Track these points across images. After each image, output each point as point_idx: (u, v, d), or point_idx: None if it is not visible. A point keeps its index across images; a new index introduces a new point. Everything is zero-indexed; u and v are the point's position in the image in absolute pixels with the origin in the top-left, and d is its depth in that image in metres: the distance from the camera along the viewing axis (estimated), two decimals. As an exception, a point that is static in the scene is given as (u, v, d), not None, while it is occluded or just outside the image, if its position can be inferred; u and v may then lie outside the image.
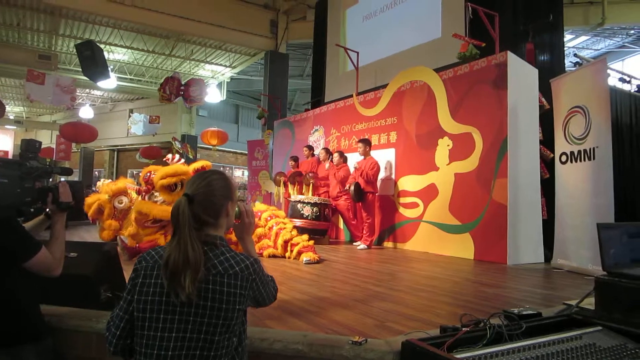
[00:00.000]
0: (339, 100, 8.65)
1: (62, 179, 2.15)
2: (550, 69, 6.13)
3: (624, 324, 2.15)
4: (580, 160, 4.89)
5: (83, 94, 19.05)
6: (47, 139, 22.86)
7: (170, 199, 4.44)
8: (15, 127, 22.66)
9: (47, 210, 1.99)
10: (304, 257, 4.93)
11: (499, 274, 4.49)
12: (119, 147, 20.71)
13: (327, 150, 7.62)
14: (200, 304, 1.30)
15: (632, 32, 13.20)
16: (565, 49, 12.02)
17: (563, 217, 5.08)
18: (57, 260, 1.84)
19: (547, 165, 5.72)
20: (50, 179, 2.18)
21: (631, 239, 2.60)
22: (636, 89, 7.33)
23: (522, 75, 5.62)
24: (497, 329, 2.00)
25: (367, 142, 6.82)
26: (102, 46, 11.45)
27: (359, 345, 1.86)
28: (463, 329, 1.98)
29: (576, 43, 13.91)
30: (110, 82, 12.36)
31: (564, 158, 5.11)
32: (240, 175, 20.80)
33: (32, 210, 1.98)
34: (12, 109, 22.01)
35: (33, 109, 22.13)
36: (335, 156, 7.31)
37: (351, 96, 8.19)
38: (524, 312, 2.31)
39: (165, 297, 1.31)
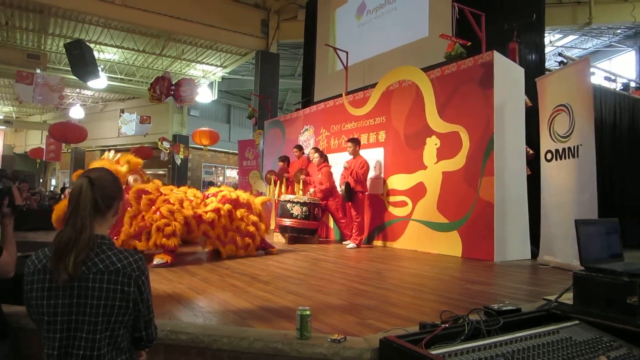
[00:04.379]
0: (328, 100, 8.68)
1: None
2: (533, 68, 6.19)
3: (600, 318, 2.20)
4: (565, 158, 4.95)
5: (73, 94, 18.92)
6: (37, 139, 22.68)
7: None
8: (4, 127, 22.47)
9: None
10: (156, 260, 4.42)
11: (485, 271, 4.54)
12: (110, 148, 20.51)
13: (316, 149, 7.64)
14: (82, 302, 1.33)
15: (618, 31, 13.34)
16: (549, 48, 12.18)
17: (548, 214, 5.15)
18: (14, 262, 1.89)
19: (529, 162, 5.78)
20: None
21: (609, 235, 2.65)
22: (621, 87, 7.43)
23: (508, 75, 5.68)
24: (475, 324, 2.03)
25: (356, 142, 6.85)
26: (92, 45, 11.41)
27: (337, 343, 1.88)
28: (442, 325, 2.01)
29: (564, 42, 14.04)
30: (100, 82, 12.28)
31: (549, 156, 5.17)
32: (229, 174, 20.75)
33: None
34: (2, 109, 21.82)
35: (23, 109, 21.94)
36: (315, 157, 7.28)
37: (341, 96, 8.21)
38: (504, 308, 2.35)
39: (47, 300, 1.34)
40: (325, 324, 2.43)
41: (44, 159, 18.85)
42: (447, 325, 2.00)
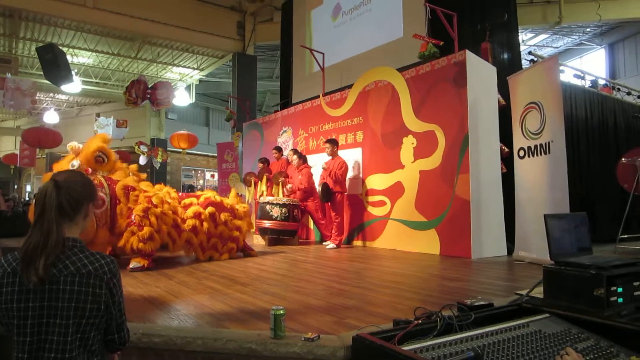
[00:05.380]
0: (306, 102, 8.69)
1: None
2: (507, 67, 6.31)
3: (569, 310, 2.26)
4: (537, 155, 5.06)
5: (47, 99, 18.52)
6: (11, 145, 22.11)
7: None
8: (-25, 134, 21.87)
9: None
10: (132, 263, 4.36)
11: (463, 268, 4.60)
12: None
13: (295, 151, 7.64)
14: (52, 305, 1.33)
15: (588, 29, 13.70)
16: (523, 47, 12.41)
17: (523, 210, 5.25)
18: None
19: (504, 160, 5.89)
20: None
21: (577, 228, 2.71)
22: (590, 85, 7.62)
23: (480, 73, 5.78)
24: (447, 320, 2.07)
25: (334, 142, 6.88)
26: (65, 49, 11.17)
27: (311, 341, 1.89)
28: (415, 321, 2.04)
29: (537, 41, 14.33)
30: (74, 86, 12.04)
31: (521, 153, 5.27)
32: (210, 178, 20.59)
33: None
34: (-27, 115, 21.23)
35: (-5, 115, 21.39)
36: (294, 159, 7.29)
37: (318, 97, 8.23)
38: (476, 304, 2.39)
39: (17, 303, 1.33)
40: (301, 324, 2.43)
41: (18, 165, 18.40)
42: (419, 322, 2.03)
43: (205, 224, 4.94)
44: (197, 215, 4.92)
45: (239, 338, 1.94)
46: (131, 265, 4.29)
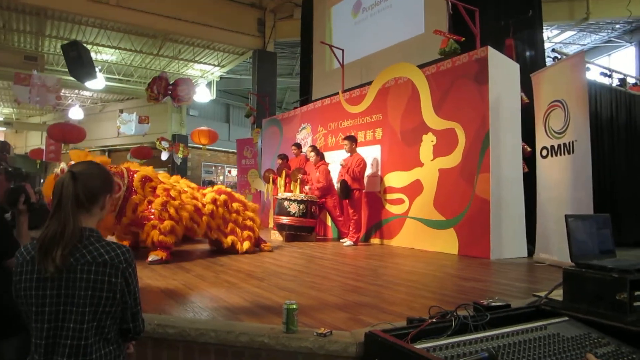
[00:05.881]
0: (325, 98, 8.67)
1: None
2: (531, 64, 6.18)
3: (589, 314, 2.19)
4: (560, 154, 4.94)
5: (72, 95, 18.94)
6: (37, 140, 22.70)
7: None
8: (4, 129, 22.51)
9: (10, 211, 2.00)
10: (151, 256, 4.41)
11: (481, 269, 4.53)
12: (110, 148, 20.61)
13: (313, 147, 7.64)
14: (69, 292, 1.35)
15: (617, 26, 13.29)
16: (548, 44, 12.14)
17: (544, 211, 5.14)
18: None
19: (526, 159, 5.77)
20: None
21: (600, 230, 2.63)
22: (618, 83, 7.40)
23: (503, 70, 5.67)
24: (462, 320, 2.03)
25: (353, 139, 6.85)
26: (89, 46, 11.39)
27: (323, 337, 1.88)
28: (429, 320, 2.01)
29: (562, 38, 14.00)
30: (98, 83, 12.29)
31: (544, 152, 5.16)
32: (228, 174, 20.75)
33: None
34: (2, 111, 21.85)
35: (23, 111, 21.97)
36: (312, 156, 7.31)
37: (337, 93, 8.21)
38: (493, 304, 2.34)
39: (35, 290, 1.36)
40: (315, 319, 2.43)
41: (44, 160, 18.86)
42: (434, 320, 2.00)
43: (220, 209, 5.12)
44: (213, 201, 5.09)
45: (251, 331, 1.94)
46: (150, 258, 4.35)
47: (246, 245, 5.20)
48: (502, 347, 1.81)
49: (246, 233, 5.28)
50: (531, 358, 1.76)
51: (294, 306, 1.98)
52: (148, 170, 4.82)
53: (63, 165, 4.26)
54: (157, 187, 4.66)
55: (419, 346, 1.72)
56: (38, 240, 1.37)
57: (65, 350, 1.33)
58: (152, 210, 4.47)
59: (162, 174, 5.12)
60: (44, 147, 18.28)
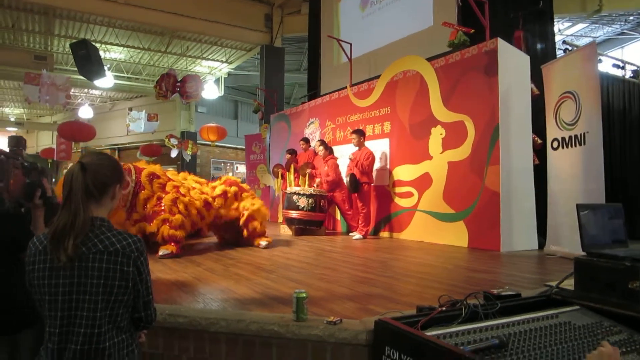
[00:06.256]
0: (333, 92, 8.66)
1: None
2: (542, 57, 6.11)
3: (601, 303, 2.18)
4: (572, 146, 4.89)
5: (82, 94, 19.08)
6: (49, 139, 22.94)
7: None
8: (16, 129, 22.74)
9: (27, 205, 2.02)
10: (161, 251, 4.45)
11: (491, 261, 4.51)
12: (119, 146, 20.77)
13: (322, 142, 7.64)
14: (82, 281, 1.36)
15: (631, 18, 13.09)
16: (559, 37, 11.99)
17: (555, 203, 5.10)
18: None
19: (537, 152, 5.72)
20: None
21: (612, 220, 2.61)
22: (631, 75, 7.30)
23: (513, 62, 5.61)
24: (472, 308, 2.03)
25: (361, 133, 6.84)
26: (97, 45, 11.47)
27: (333, 325, 1.89)
28: (438, 308, 2.01)
29: (574, 31, 13.82)
30: (106, 81, 12.38)
31: (555, 144, 5.11)
32: (236, 170, 20.81)
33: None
34: (13, 111, 22.09)
35: (33, 111, 22.19)
36: (320, 150, 7.30)
37: (345, 88, 8.19)
38: (503, 293, 2.33)
39: (48, 279, 1.37)
40: (325, 309, 2.43)
41: (55, 159, 19.06)
42: (444, 308, 2.00)
43: (235, 203, 5.19)
44: (224, 194, 5.14)
45: (261, 320, 1.95)
46: (160, 252, 4.39)
47: (264, 239, 5.29)
48: (513, 335, 1.80)
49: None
50: (542, 345, 1.75)
51: (304, 295, 1.99)
52: (155, 167, 4.86)
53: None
54: (166, 184, 4.70)
55: (429, 333, 1.72)
56: (50, 231, 1.38)
57: (79, 339, 1.35)
58: (163, 206, 4.51)
59: (170, 172, 5.16)
60: (54, 146, 18.46)
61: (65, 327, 1.36)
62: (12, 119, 22.03)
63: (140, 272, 1.45)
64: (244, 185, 5.63)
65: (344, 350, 1.91)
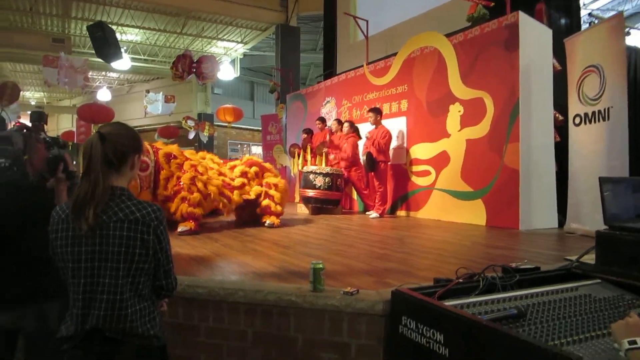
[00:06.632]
0: (349, 71, 8.56)
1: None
2: (566, 31, 5.91)
3: (622, 277, 2.14)
4: (595, 122, 4.76)
5: (99, 77, 19.26)
6: (68, 123, 23.27)
7: None
8: (37, 112, 23.12)
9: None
10: (180, 227, 4.51)
11: (509, 238, 4.47)
12: (137, 128, 20.82)
13: (339, 121, 7.59)
14: (103, 249, 1.39)
15: (660, -10, 12.57)
16: (584, 12, 11.57)
17: (576, 180, 5.00)
18: None
19: (558, 128, 5.59)
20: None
21: (636, 194, 2.55)
22: (659, 48, 7.02)
23: (534, 36, 5.46)
24: (490, 280, 2.01)
25: (377, 111, 6.77)
26: (113, 27, 11.50)
27: (350, 295, 1.90)
28: (456, 280, 2.00)
29: (600, 5, 13.31)
30: (123, 63, 12.43)
31: (577, 120, 4.99)
32: (255, 151, 20.89)
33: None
34: (33, 95, 22.42)
35: (53, 94, 22.48)
36: (345, 126, 7.25)
37: (362, 66, 8.09)
38: (522, 267, 2.31)
39: (71, 247, 1.40)
40: (343, 282, 2.44)
41: (75, 142, 19.38)
42: (461, 280, 1.99)
43: (252, 183, 5.15)
44: (243, 174, 5.13)
45: (279, 291, 1.97)
46: (179, 229, 4.45)
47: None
48: (532, 306, 1.79)
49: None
50: (561, 316, 1.73)
51: (321, 265, 2.00)
52: (172, 147, 4.88)
53: None
54: (183, 164, 4.72)
55: (446, 304, 1.72)
56: (71, 200, 1.41)
57: (102, 305, 1.38)
58: (182, 184, 4.54)
59: (188, 151, 5.17)
60: (74, 129, 18.76)
61: (89, 293, 1.39)
62: (33, 103, 22.36)
63: (160, 241, 1.47)
64: (267, 165, 5.61)
65: (361, 320, 1.93)
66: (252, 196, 5.14)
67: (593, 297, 1.98)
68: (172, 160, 4.67)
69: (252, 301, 1.97)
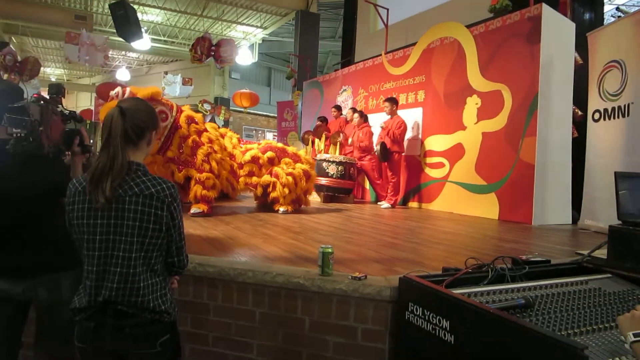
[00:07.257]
0: (367, 60, 8.50)
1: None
2: (589, 26, 5.80)
3: (634, 272, 2.13)
4: (614, 118, 4.69)
5: (119, 56, 19.41)
6: (87, 101, 23.54)
7: None
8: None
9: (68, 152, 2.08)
10: (193, 209, 4.51)
11: (521, 232, 4.44)
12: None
13: (354, 110, 7.56)
14: (118, 222, 1.42)
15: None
16: (609, 7, 11.29)
17: (592, 177, 4.94)
18: None
19: (576, 124, 5.50)
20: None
21: (652, 190, 2.51)
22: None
23: (557, 30, 5.36)
24: (499, 271, 2.01)
25: (393, 101, 6.72)
26: (135, 6, 11.55)
27: (358, 280, 1.92)
28: (465, 269, 2.00)
29: (625, 0, 12.99)
30: (143, 43, 12.50)
31: (596, 115, 4.91)
32: (270, 138, 20.94)
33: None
34: (54, 72, 22.70)
35: (73, 72, 22.74)
36: (356, 117, 7.21)
37: (380, 55, 8.02)
38: (532, 259, 2.30)
39: (87, 219, 1.44)
40: (351, 268, 2.46)
41: (93, 120, 19.61)
42: (470, 270, 2.00)
43: (263, 170, 5.06)
44: (255, 160, 5.03)
45: (287, 273, 2.00)
46: (192, 211, 4.50)
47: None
48: (540, 297, 1.79)
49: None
50: (569, 308, 1.73)
51: (330, 250, 2.02)
52: (197, 115, 4.80)
53: (119, 89, 4.33)
54: (202, 133, 4.64)
55: (454, 292, 1.72)
56: (89, 173, 1.44)
57: (115, 277, 1.42)
58: (196, 160, 4.53)
59: (209, 124, 5.08)
60: (93, 107, 18.97)
61: (102, 266, 1.43)
62: (53, 79, 22.65)
63: (173, 217, 1.50)
64: (290, 149, 5.48)
65: (368, 305, 1.95)
66: (259, 188, 5.03)
67: (603, 291, 1.97)
68: (192, 124, 4.57)
69: (261, 282, 2.00)
